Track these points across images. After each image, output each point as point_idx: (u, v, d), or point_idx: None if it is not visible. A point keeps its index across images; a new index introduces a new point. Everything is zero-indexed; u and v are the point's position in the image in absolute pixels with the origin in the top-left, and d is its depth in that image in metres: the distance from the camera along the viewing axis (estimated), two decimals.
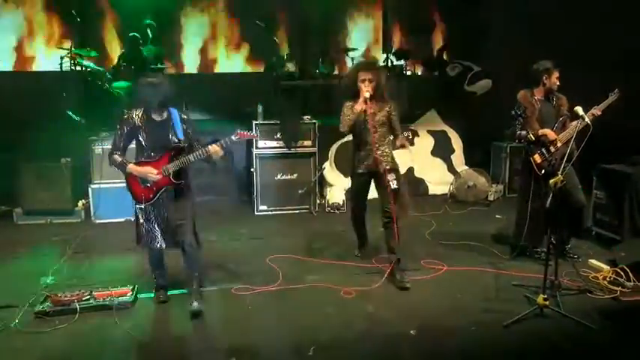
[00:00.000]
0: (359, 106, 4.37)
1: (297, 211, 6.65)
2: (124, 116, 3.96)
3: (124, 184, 4.04)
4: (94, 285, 4.25)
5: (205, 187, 6.70)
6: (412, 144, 7.65)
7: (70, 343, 3.53)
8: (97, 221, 6.20)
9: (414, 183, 7.56)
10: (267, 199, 6.66)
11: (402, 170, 7.32)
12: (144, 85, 3.87)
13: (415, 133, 7.78)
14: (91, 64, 7.58)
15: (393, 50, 9.04)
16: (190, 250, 4.01)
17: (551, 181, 3.83)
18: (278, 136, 6.63)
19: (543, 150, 4.62)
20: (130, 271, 4.67)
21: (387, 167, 4.43)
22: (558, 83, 4.68)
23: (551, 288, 3.96)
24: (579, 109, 4.27)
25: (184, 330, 3.72)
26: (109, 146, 4.06)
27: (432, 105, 8.20)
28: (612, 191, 5.31)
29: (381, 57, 9.06)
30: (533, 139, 4.60)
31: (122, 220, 6.03)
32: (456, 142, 7.94)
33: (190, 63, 9.03)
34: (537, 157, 4.62)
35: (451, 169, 7.73)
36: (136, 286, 4.21)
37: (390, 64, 8.82)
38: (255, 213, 6.62)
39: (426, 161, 7.70)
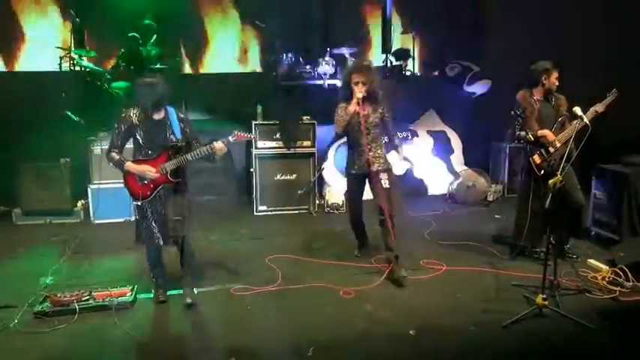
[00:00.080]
0: (352, 107, 4.45)
1: (296, 212, 6.65)
2: (122, 115, 4.00)
3: (123, 184, 4.06)
4: (93, 285, 4.26)
5: (205, 187, 6.71)
6: (412, 144, 7.69)
7: (69, 344, 3.53)
8: (96, 221, 6.20)
9: (413, 183, 7.56)
10: (266, 200, 6.66)
11: (402, 170, 7.43)
12: (140, 85, 3.92)
13: (414, 134, 7.79)
14: (91, 64, 7.57)
15: (393, 50, 9.04)
16: (187, 247, 4.10)
17: (551, 181, 3.84)
18: (277, 136, 6.63)
19: (542, 150, 4.63)
20: (130, 272, 4.67)
21: (380, 168, 4.53)
22: (557, 83, 4.68)
23: (551, 288, 3.97)
24: (578, 110, 4.28)
25: (184, 330, 3.72)
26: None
27: (431, 105, 8.19)
28: (611, 191, 5.31)
29: (380, 57, 9.07)
30: (533, 139, 4.60)
31: (121, 220, 6.04)
32: (456, 143, 7.93)
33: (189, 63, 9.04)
34: (537, 158, 4.63)
35: (451, 169, 7.73)
36: (135, 286, 4.21)
37: (389, 64, 8.82)
38: (255, 213, 6.62)
39: (425, 161, 7.70)
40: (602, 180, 5.43)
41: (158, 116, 4.00)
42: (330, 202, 6.78)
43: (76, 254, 5.12)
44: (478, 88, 8.51)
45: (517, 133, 4.65)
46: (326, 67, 8.20)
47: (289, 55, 8.24)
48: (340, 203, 6.66)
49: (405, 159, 4.63)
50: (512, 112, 4.67)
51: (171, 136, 3.98)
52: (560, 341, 3.56)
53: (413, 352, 3.48)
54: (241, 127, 6.76)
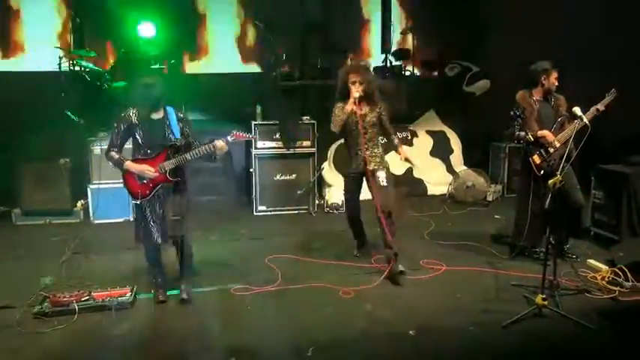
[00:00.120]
0: (349, 107, 4.50)
1: (296, 212, 6.65)
2: (122, 114, 4.02)
3: (122, 183, 4.10)
4: (92, 285, 4.26)
5: (205, 188, 6.70)
6: (411, 144, 7.70)
7: (69, 344, 3.53)
8: (96, 221, 6.19)
9: (413, 183, 7.57)
10: (266, 200, 6.66)
11: (402, 171, 7.44)
12: (138, 85, 3.96)
13: (414, 134, 7.80)
14: (90, 64, 7.57)
15: (392, 50, 9.04)
16: (187, 249, 4.13)
17: (550, 181, 3.84)
18: (277, 136, 6.64)
19: (542, 151, 4.63)
20: (129, 272, 4.67)
21: (377, 167, 4.58)
22: (557, 84, 4.69)
23: (550, 288, 3.97)
24: (577, 110, 4.28)
25: (183, 330, 3.71)
26: None
27: (430, 105, 8.20)
28: (610, 191, 5.31)
29: (379, 57, 9.07)
30: (532, 139, 4.61)
31: (121, 220, 6.04)
32: (455, 143, 7.94)
33: (189, 63, 9.03)
34: (536, 158, 4.63)
35: (450, 169, 7.74)
36: (135, 286, 4.21)
37: (388, 64, 8.82)
38: (255, 213, 6.63)
39: (425, 162, 7.70)
40: (601, 180, 5.44)
41: (157, 116, 4.03)
42: (329, 203, 6.78)
43: (75, 254, 5.12)
44: (477, 88, 8.52)
45: (517, 133, 4.65)
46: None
47: (289, 55, 8.23)
48: (340, 203, 6.65)
49: (407, 160, 4.66)
50: (512, 113, 4.67)
51: (170, 136, 4.01)
52: (560, 341, 3.56)
53: (413, 352, 3.49)
54: (241, 127, 6.76)
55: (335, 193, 6.78)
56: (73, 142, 6.56)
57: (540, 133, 4.61)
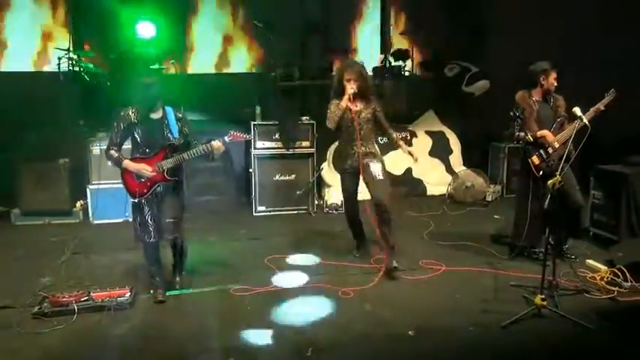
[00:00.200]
0: (344, 103, 4.58)
1: (295, 212, 6.65)
2: (121, 113, 4.07)
3: (121, 182, 4.15)
4: (92, 286, 4.25)
5: (204, 188, 6.71)
6: (410, 145, 7.70)
7: (68, 344, 3.52)
8: (95, 222, 6.19)
9: (412, 183, 7.58)
10: (265, 200, 6.66)
11: (401, 171, 7.45)
12: (137, 85, 4.00)
13: (413, 134, 7.80)
14: (89, 65, 7.56)
15: (391, 51, 9.04)
16: (180, 247, 4.32)
17: (549, 182, 3.84)
18: (276, 136, 6.64)
19: (541, 151, 4.63)
20: (128, 272, 4.67)
21: (373, 161, 4.66)
22: (556, 84, 4.69)
23: (549, 288, 3.97)
24: (577, 110, 4.29)
25: (183, 330, 3.71)
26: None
27: (430, 106, 8.20)
28: (609, 192, 5.32)
29: (379, 57, 9.07)
30: (532, 140, 4.61)
31: (120, 220, 6.03)
32: (454, 143, 7.95)
33: (189, 63, 9.03)
34: (535, 159, 4.64)
35: (449, 169, 7.74)
36: (134, 286, 4.21)
37: (388, 64, 8.82)
38: (254, 213, 6.63)
39: (424, 162, 7.70)
40: (600, 180, 5.44)
41: (156, 115, 4.09)
42: (328, 203, 6.79)
43: (74, 255, 5.12)
44: (477, 89, 8.52)
45: (516, 133, 4.66)
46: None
47: (289, 55, 8.24)
48: (339, 204, 6.66)
49: (410, 153, 4.72)
50: (512, 113, 4.68)
51: (169, 135, 4.08)
52: (559, 341, 3.56)
53: (412, 352, 3.49)
54: (240, 127, 6.76)
55: (334, 193, 6.78)
56: (73, 142, 6.55)
57: (540, 133, 4.61)
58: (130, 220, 4.33)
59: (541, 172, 4.58)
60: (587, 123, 4.21)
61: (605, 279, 4.35)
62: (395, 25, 9.45)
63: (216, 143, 4.05)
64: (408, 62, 8.78)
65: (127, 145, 4.18)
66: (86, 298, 3.96)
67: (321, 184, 7.11)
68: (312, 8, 8.73)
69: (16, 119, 6.91)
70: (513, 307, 3.86)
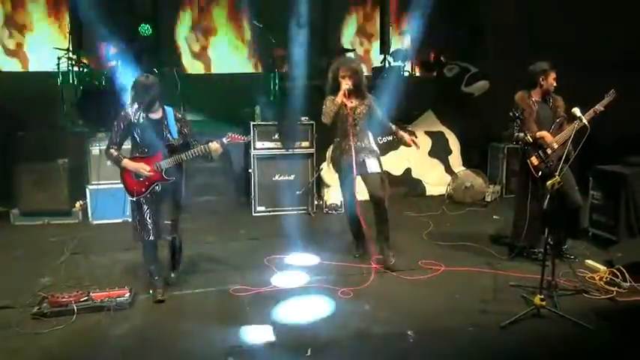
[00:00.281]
0: (339, 98, 4.63)
1: (294, 212, 6.65)
2: (121, 113, 4.11)
3: (120, 180, 4.19)
4: (91, 286, 4.26)
5: (204, 188, 6.71)
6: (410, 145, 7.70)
7: (67, 344, 3.52)
8: (95, 222, 6.20)
9: (411, 184, 7.58)
10: (264, 200, 6.66)
11: (400, 171, 7.45)
12: (136, 85, 4.01)
13: (413, 134, 7.79)
14: (89, 65, 7.58)
15: (391, 51, 9.05)
16: (175, 242, 4.36)
17: (549, 182, 3.84)
18: (276, 137, 6.64)
19: (540, 152, 4.64)
20: (128, 272, 4.68)
21: (368, 156, 4.74)
22: (555, 84, 4.69)
23: (548, 288, 3.97)
24: (577, 111, 4.29)
25: (182, 330, 3.71)
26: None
27: (429, 106, 8.21)
28: (608, 192, 5.32)
29: (379, 58, 9.08)
30: (531, 141, 4.61)
31: (119, 220, 6.03)
32: (454, 143, 7.95)
33: (189, 63, 9.04)
34: (534, 160, 4.64)
35: (448, 169, 7.74)
36: (134, 286, 4.21)
37: (387, 64, 8.83)
38: (253, 214, 6.63)
39: (423, 162, 7.71)
40: (599, 181, 5.44)
41: (156, 116, 4.13)
42: (328, 203, 6.79)
43: (74, 255, 5.13)
44: (476, 89, 8.53)
45: (515, 134, 4.67)
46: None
47: (287, 55, 8.24)
48: (339, 204, 6.67)
49: (413, 142, 4.79)
50: (511, 114, 4.68)
51: (168, 136, 4.13)
52: (558, 342, 3.57)
53: (411, 352, 3.49)
54: (240, 127, 6.77)
55: (334, 193, 6.79)
56: (72, 142, 6.55)
57: (539, 134, 4.62)
58: (130, 220, 4.37)
59: (540, 173, 4.59)
60: (586, 123, 4.22)
61: (604, 279, 4.36)
62: (394, 25, 9.46)
63: (214, 145, 4.11)
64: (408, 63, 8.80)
65: (127, 145, 4.21)
66: (85, 298, 3.96)
67: (320, 184, 7.11)
68: (311, 8, 8.72)
69: (15, 119, 6.92)
70: (512, 308, 3.86)
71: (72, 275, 4.61)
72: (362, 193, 4.95)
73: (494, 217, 6.46)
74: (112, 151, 4.08)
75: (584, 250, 5.10)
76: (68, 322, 3.74)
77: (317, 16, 8.81)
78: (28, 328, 3.68)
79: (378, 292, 4.30)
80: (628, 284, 4.24)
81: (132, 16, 8.02)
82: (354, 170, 4.71)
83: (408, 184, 7.56)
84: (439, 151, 7.85)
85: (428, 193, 7.57)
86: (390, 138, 7.66)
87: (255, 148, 6.58)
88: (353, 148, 4.69)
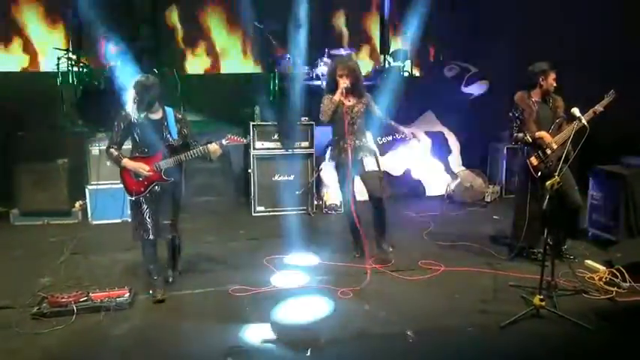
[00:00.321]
0: (337, 97, 4.69)
1: (294, 212, 6.65)
2: (122, 113, 4.14)
3: (119, 179, 4.23)
4: (91, 286, 4.26)
5: (203, 188, 6.72)
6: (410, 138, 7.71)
7: (67, 345, 3.52)
8: (94, 222, 6.20)
9: (411, 184, 7.58)
10: (264, 200, 6.66)
11: (400, 171, 7.45)
12: (136, 85, 4.03)
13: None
14: (88, 65, 7.57)
15: (391, 51, 9.05)
16: (174, 242, 4.41)
17: (548, 182, 3.84)
18: (275, 137, 6.64)
19: (540, 152, 4.64)
20: (127, 272, 4.68)
21: (366, 155, 4.80)
22: (555, 85, 4.70)
23: (548, 289, 3.97)
24: (576, 111, 4.29)
25: (181, 330, 3.71)
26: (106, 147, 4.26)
27: (429, 106, 8.20)
28: (608, 192, 5.33)
29: (378, 58, 9.08)
30: (530, 141, 4.62)
31: (119, 221, 6.01)
32: (454, 143, 7.95)
33: (188, 63, 9.03)
34: (534, 160, 4.64)
35: (448, 170, 7.74)
36: (133, 287, 4.21)
37: (387, 65, 8.83)
38: (253, 214, 6.63)
39: (423, 162, 7.71)
40: (599, 181, 5.45)
41: (156, 116, 4.16)
42: (328, 203, 6.79)
43: (73, 255, 5.13)
44: (476, 89, 8.52)
45: (515, 134, 4.67)
46: (324, 68, 8.19)
47: (288, 56, 8.24)
48: (338, 204, 6.67)
49: (413, 135, 4.89)
50: (510, 114, 4.68)
51: (168, 136, 4.16)
52: (558, 342, 3.57)
53: (411, 352, 3.49)
54: (239, 127, 6.78)
55: (333, 193, 6.79)
56: (72, 142, 6.55)
57: (538, 134, 4.62)
58: (129, 219, 4.39)
59: (539, 173, 4.59)
60: (585, 124, 4.22)
61: (603, 279, 4.36)
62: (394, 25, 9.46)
63: (213, 146, 4.15)
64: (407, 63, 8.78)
65: (128, 145, 4.24)
66: (85, 298, 3.96)
67: (320, 184, 7.11)
68: (311, 8, 8.72)
69: (14, 119, 6.91)
70: (512, 308, 3.86)
71: (71, 275, 4.61)
72: (361, 193, 4.97)
73: (493, 217, 6.47)
74: (112, 150, 4.12)
75: (583, 250, 5.10)
76: (68, 322, 3.74)
77: (317, 15, 8.83)
78: (27, 328, 3.68)
79: (378, 292, 4.30)
80: (627, 284, 4.24)
81: (131, 16, 8.02)
82: (353, 169, 4.74)
83: (408, 184, 7.56)
84: (439, 151, 7.85)
85: (428, 194, 7.58)
86: (390, 138, 7.69)
87: (254, 148, 6.58)
88: (351, 146, 4.72)
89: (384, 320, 3.85)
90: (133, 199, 4.16)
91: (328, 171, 7.11)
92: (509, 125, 4.73)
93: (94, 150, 6.23)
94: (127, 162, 4.10)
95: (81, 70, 7.46)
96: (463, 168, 7.65)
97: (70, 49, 7.47)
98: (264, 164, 6.65)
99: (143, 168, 4.08)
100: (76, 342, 3.56)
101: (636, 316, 3.92)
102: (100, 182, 6.18)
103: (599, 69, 6.57)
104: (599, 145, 5.07)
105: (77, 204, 6.37)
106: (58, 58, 7.30)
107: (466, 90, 8.57)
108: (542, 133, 4.62)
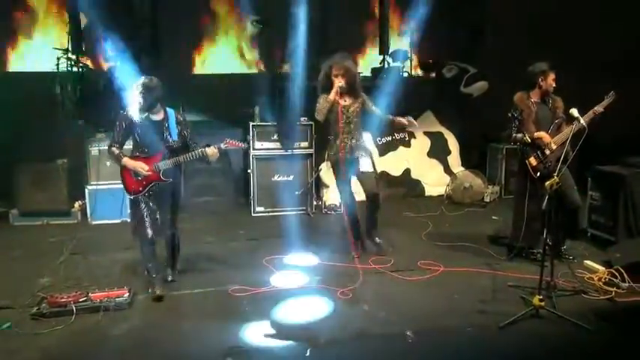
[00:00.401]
0: (332, 96, 4.74)
1: (293, 212, 6.65)
2: (123, 113, 4.19)
3: (120, 184, 4.28)
4: (90, 286, 4.26)
5: (203, 188, 6.72)
6: (409, 145, 7.72)
7: (66, 345, 3.52)
8: (94, 222, 6.20)
9: (410, 184, 7.59)
10: (264, 201, 6.67)
11: (399, 172, 7.46)
12: (137, 86, 4.07)
13: (412, 135, 7.81)
14: (88, 65, 7.57)
15: (390, 52, 9.05)
16: (174, 240, 4.46)
17: (547, 183, 3.85)
18: (275, 137, 6.65)
19: (539, 152, 4.64)
20: (127, 272, 4.68)
21: (362, 154, 4.87)
22: (554, 85, 4.70)
23: (547, 289, 3.98)
24: (575, 111, 4.30)
25: (181, 331, 3.71)
26: (106, 147, 4.42)
27: (428, 106, 8.21)
28: (607, 193, 5.33)
29: (378, 58, 9.08)
30: (529, 141, 4.62)
31: (118, 221, 6.03)
32: (453, 144, 7.96)
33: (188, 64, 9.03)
34: (533, 160, 4.65)
35: (447, 170, 7.75)
36: (133, 287, 4.21)
37: (386, 65, 8.83)
38: (252, 214, 6.63)
39: (422, 162, 7.73)
40: (598, 181, 5.45)
41: (157, 117, 4.21)
42: (327, 203, 6.80)
43: (73, 255, 5.13)
44: (475, 90, 8.53)
45: (514, 135, 4.67)
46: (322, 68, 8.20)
47: (286, 56, 8.24)
48: (337, 204, 6.67)
49: (409, 122, 4.90)
50: (510, 114, 4.68)
51: (168, 137, 4.21)
52: (557, 342, 3.57)
53: (410, 353, 3.49)
54: (239, 128, 6.78)
55: (333, 194, 6.79)
56: (71, 142, 6.55)
57: (537, 134, 4.62)
58: (129, 219, 4.44)
59: (538, 174, 4.59)
60: (584, 124, 4.22)
61: (602, 280, 4.36)
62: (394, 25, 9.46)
63: (211, 150, 4.20)
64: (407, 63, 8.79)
65: (129, 146, 4.28)
66: (85, 298, 3.96)
67: (319, 184, 7.12)
68: (311, 8, 8.73)
69: (14, 119, 6.90)
70: (511, 308, 3.87)
71: (71, 275, 4.61)
72: (359, 193, 4.98)
73: (493, 217, 6.47)
74: (114, 149, 4.19)
75: (582, 250, 5.11)
76: (67, 322, 3.74)
77: (316, 15, 8.83)
78: (27, 328, 3.68)
79: (377, 292, 4.31)
80: (627, 285, 4.25)
81: (131, 17, 8.01)
82: (349, 168, 4.78)
83: (407, 184, 7.57)
84: (438, 151, 7.86)
85: (427, 194, 7.59)
86: (390, 138, 7.70)
87: (254, 149, 6.58)
88: (346, 146, 4.78)
89: (384, 320, 3.85)
90: (132, 198, 4.22)
91: (327, 171, 7.14)
92: (508, 126, 4.73)
93: (94, 150, 6.24)
94: (127, 161, 4.15)
95: (80, 70, 7.45)
96: (462, 168, 7.66)
97: (70, 49, 7.46)
98: (263, 164, 6.65)
99: (142, 167, 4.12)
100: (75, 342, 3.56)
101: (635, 316, 3.92)
102: (99, 182, 6.18)
103: (599, 70, 6.58)
104: (598, 146, 5.08)
105: (77, 204, 6.37)
106: (58, 58, 7.30)
107: (465, 90, 8.59)
108: (541, 134, 4.62)
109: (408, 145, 7.72)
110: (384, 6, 9.11)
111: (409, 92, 8.32)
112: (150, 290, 4.18)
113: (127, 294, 4.06)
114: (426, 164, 7.73)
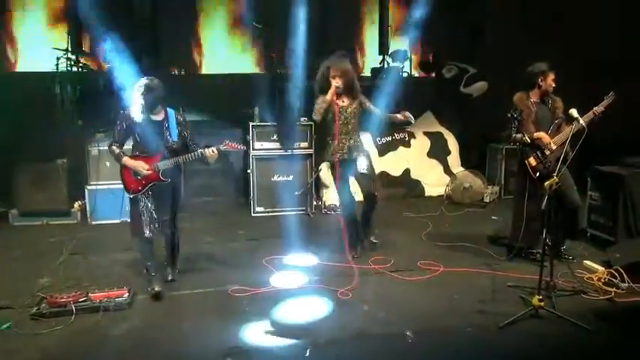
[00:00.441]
0: (329, 96, 4.76)
1: (293, 213, 6.65)
2: (124, 112, 4.21)
3: (120, 184, 4.31)
4: (90, 286, 4.26)
5: (203, 189, 6.72)
6: (409, 145, 7.72)
7: (66, 345, 3.52)
8: (93, 222, 6.20)
9: (410, 184, 7.59)
10: (263, 201, 6.67)
11: (399, 172, 7.46)
12: (138, 87, 4.08)
13: (411, 135, 7.81)
14: (88, 65, 7.57)
15: (389, 52, 9.05)
16: (173, 239, 4.48)
17: (547, 183, 3.85)
18: (274, 137, 6.65)
19: (538, 153, 4.65)
20: (127, 272, 4.68)
21: (360, 155, 4.89)
22: (554, 85, 4.70)
23: (547, 289, 3.98)
24: (574, 112, 4.30)
25: (180, 331, 3.72)
26: (106, 147, 4.46)
27: (428, 107, 8.22)
28: (607, 193, 5.33)
29: (377, 58, 9.07)
30: (529, 141, 4.62)
31: (118, 221, 6.03)
32: (452, 144, 7.97)
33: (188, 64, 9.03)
34: (532, 160, 4.65)
35: (447, 170, 7.76)
36: (132, 287, 4.21)
37: (386, 65, 8.83)
38: (252, 214, 6.64)
39: (422, 163, 7.73)
40: (597, 181, 5.46)
41: (158, 117, 4.23)
42: (327, 204, 6.80)
43: (73, 255, 5.13)
44: (475, 90, 8.54)
45: (513, 135, 4.67)
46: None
47: (286, 56, 8.24)
48: (337, 204, 6.66)
49: (406, 116, 4.94)
50: (509, 115, 4.68)
51: (168, 138, 4.23)
52: (557, 342, 3.57)
53: (410, 353, 3.49)
54: (238, 128, 6.78)
55: (332, 194, 6.79)
56: (71, 142, 6.55)
57: (536, 135, 4.63)
58: (128, 219, 4.45)
59: (538, 174, 4.59)
60: (584, 124, 4.22)
61: (602, 280, 4.37)
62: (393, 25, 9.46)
63: (209, 151, 4.22)
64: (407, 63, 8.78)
65: (129, 146, 4.30)
66: (84, 298, 3.96)
67: (319, 184, 7.12)
68: (311, 9, 8.73)
69: (14, 119, 6.90)
70: (511, 308, 3.87)
71: (71, 276, 4.61)
72: (357, 193, 4.98)
73: (492, 217, 6.48)
74: (114, 148, 4.22)
75: (582, 250, 5.12)
76: (67, 322, 3.74)
77: (316, 15, 8.83)
78: (26, 328, 3.68)
79: (377, 292, 4.31)
80: (626, 285, 4.25)
81: (131, 17, 8.01)
82: (347, 168, 4.79)
83: (406, 184, 7.57)
84: (438, 151, 7.86)
85: (427, 194, 7.59)
86: (390, 138, 7.70)
87: (254, 149, 6.58)
88: (344, 147, 4.81)
89: (384, 321, 3.85)
90: (131, 197, 4.24)
91: (327, 172, 7.14)
92: (507, 126, 4.73)
93: (94, 150, 6.24)
94: (127, 160, 4.17)
95: (80, 70, 7.45)
96: (462, 168, 7.66)
97: (69, 49, 7.46)
98: (263, 165, 6.66)
99: (142, 167, 4.15)
100: (75, 342, 3.56)
101: (635, 316, 3.93)
102: (99, 182, 6.18)
103: (598, 70, 6.59)
104: (597, 146, 5.08)
105: (76, 204, 6.37)
106: (58, 59, 7.30)
107: (465, 90, 8.59)
108: (541, 134, 4.63)
109: (407, 145, 7.72)
110: (383, 6, 9.11)
111: (409, 92, 8.33)
112: (149, 288, 4.19)
113: (127, 294, 4.06)
114: (425, 164, 7.73)
